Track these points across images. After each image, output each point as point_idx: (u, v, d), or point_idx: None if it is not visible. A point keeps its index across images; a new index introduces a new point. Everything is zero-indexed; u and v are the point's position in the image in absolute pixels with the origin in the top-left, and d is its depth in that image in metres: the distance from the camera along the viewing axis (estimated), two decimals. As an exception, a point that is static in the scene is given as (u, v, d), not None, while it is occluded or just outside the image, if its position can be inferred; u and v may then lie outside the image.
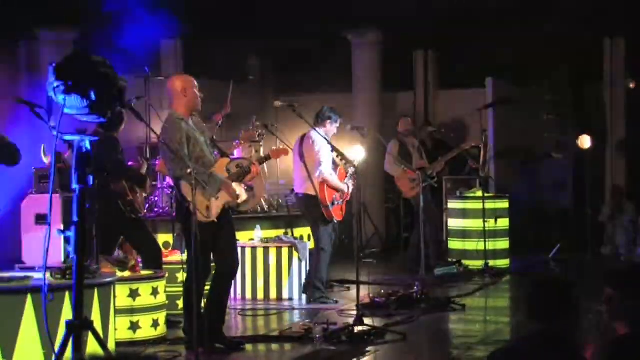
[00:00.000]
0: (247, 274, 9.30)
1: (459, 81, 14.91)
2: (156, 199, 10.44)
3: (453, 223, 11.71)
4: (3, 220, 9.74)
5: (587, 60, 14.02)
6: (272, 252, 9.30)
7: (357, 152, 9.28)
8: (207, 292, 6.80)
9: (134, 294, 6.86)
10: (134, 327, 6.85)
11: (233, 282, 7.46)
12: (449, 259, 11.28)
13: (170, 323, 7.27)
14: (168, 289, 7.40)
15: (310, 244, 9.43)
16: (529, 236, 12.79)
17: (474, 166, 11.42)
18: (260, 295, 9.26)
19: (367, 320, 7.34)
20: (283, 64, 15.52)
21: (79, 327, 4.02)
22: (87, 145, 3.92)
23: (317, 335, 7.02)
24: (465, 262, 11.11)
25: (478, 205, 11.18)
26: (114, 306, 5.64)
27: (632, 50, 13.89)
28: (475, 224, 11.24)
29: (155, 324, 6.98)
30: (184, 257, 7.30)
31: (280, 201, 11.57)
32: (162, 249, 8.15)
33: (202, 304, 6.61)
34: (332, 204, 8.76)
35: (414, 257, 10.59)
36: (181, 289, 7.05)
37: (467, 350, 6.74)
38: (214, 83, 11.50)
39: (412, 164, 10.79)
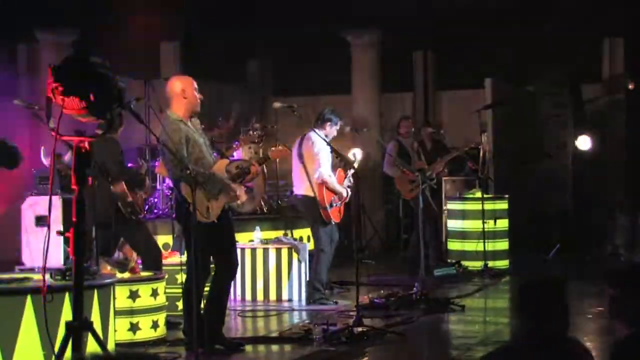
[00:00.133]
0: (247, 275, 9.30)
1: (458, 82, 14.92)
2: (156, 200, 10.46)
3: (452, 224, 11.71)
4: (3, 222, 9.76)
5: (587, 60, 14.03)
6: (272, 253, 9.31)
7: (356, 154, 9.29)
8: (206, 293, 6.81)
9: (133, 295, 6.87)
10: (134, 328, 6.85)
11: (233, 283, 7.47)
12: (449, 260, 11.29)
13: (170, 324, 7.28)
14: (168, 290, 7.41)
15: (310, 245, 9.44)
16: (528, 237, 12.79)
17: (473, 167, 11.42)
18: (260, 296, 9.27)
19: (366, 321, 7.35)
20: (282, 65, 15.53)
21: (79, 328, 4.02)
22: (86, 146, 3.92)
23: (317, 336, 7.03)
24: (465, 263, 11.11)
25: (477, 206, 11.19)
26: (114, 307, 5.64)
27: (631, 50, 13.90)
28: (475, 224, 11.24)
29: (154, 325, 6.99)
30: (184, 258, 7.31)
31: (280, 202, 11.58)
32: (162, 250, 8.16)
33: (202, 305, 6.62)
34: (331, 205, 8.77)
35: (414, 258, 10.60)
36: (181, 290, 7.06)
37: (466, 350, 6.75)
38: (213, 85, 11.51)
39: (412, 165, 10.80)
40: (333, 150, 8.02)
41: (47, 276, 4.78)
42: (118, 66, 4.09)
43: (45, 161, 9.38)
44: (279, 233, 10.39)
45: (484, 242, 10.98)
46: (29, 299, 4.90)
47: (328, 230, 8.87)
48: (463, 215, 11.53)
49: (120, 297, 6.64)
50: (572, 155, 13.81)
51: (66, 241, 8.54)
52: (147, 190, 8.43)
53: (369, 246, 13.39)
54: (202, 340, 6.18)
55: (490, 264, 11.00)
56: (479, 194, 11.42)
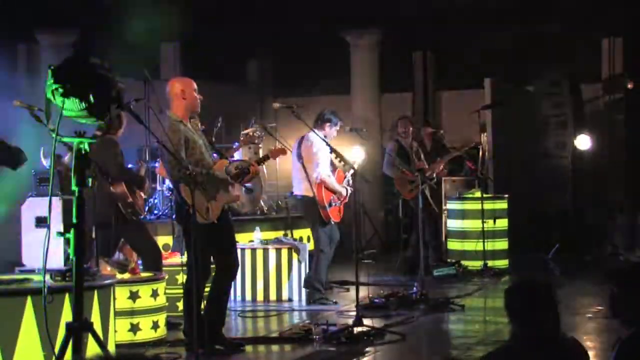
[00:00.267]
0: (247, 275, 9.31)
1: (457, 82, 14.94)
2: (156, 201, 10.46)
3: (452, 224, 11.72)
4: (3, 223, 9.76)
5: (586, 60, 14.04)
6: (272, 254, 9.32)
7: (356, 154, 9.30)
8: (207, 293, 6.81)
9: (134, 296, 6.88)
10: (134, 328, 6.86)
11: (233, 283, 7.48)
12: (448, 260, 11.30)
13: (170, 325, 7.29)
14: (168, 291, 7.41)
15: (310, 245, 9.45)
16: (528, 236, 12.80)
17: (472, 167, 11.43)
18: (260, 296, 9.28)
19: (366, 321, 7.35)
20: (282, 65, 15.55)
21: (79, 328, 4.03)
22: (86, 147, 3.93)
23: (317, 336, 7.04)
24: (464, 263, 11.12)
25: (477, 205, 11.20)
26: (114, 308, 5.65)
27: (630, 50, 13.90)
28: (474, 224, 11.25)
29: (155, 326, 6.99)
30: (184, 259, 7.32)
31: (280, 203, 11.58)
32: (162, 251, 8.17)
33: (202, 306, 6.62)
34: (330, 205, 8.78)
35: (413, 258, 10.61)
36: (181, 290, 7.07)
37: (466, 350, 6.75)
38: (213, 85, 11.52)
39: (411, 165, 10.80)
40: (332, 151, 8.02)
41: (47, 277, 4.79)
42: (117, 67, 4.09)
43: (45, 162, 9.39)
44: (279, 233, 10.40)
45: (484, 241, 10.99)
46: (29, 300, 4.91)
47: (327, 230, 8.87)
48: (463, 215, 11.54)
49: (121, 298, 6.65)
50: (571, 155, 13.82)
51: (66, 242, 8.57)
52: (147, 191, 8.44)
53: (369, 246, 13.39)
54: (202, 341, 6.19)
55: (490, 263, 11.01)
56: (478, 194, 11.43)
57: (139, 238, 7.69)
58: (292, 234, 10.39)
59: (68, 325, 4.07)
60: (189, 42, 13.99)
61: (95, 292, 5.28)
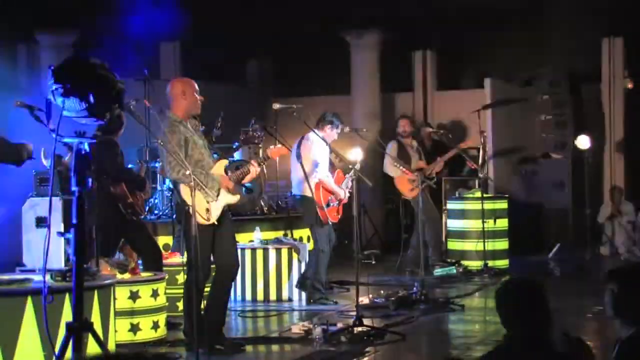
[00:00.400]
0: (247, 275, 9.31)
1: (457, 82, 14.93)
2: (156, 201, 10.46)
3: (452, 224, 11.72)
4: (4, 223, 9.76)
5: (586, 60, 14.04)
6: (272, 254, 9.32)
7: (355, 154, 9.30)
8: (207, 293, 6.82)
9: (134, 296, 6.88)
10: (134, 328, 6.86)
11: (233, 283, 7.48)
12: (448, 260, 11.29)
13: (170, 325, 7.29)
14: (168, 291, 7.42)
15: (310, 245, 9.45)
16: (528, 236, 12.80)
17: (472, 167, 11.43)
18: (260, 296, 9.28)
19: (366, 321, 7.35)
20: (282, 66, 15.54)
21: (79, 328, 4.03)
22: (86, 147, 3.94)
23: (317, 336, 7.04)
24: (465, 263, 11.12)
25: (477, 205, 11.20)
26: (114, 308, 5.66)
27: (630, 50, 13.91)
28: (474, 224, 11.25)
29: (155, 326, 7.00)
30: (184, 259, 7.32)
31: (280, 203, 11.59)
32: (162, 251, 8.17)
33: (202, 306, 6.63)
34: (327, 205, 8.79)
35: (414, 258, 10.62)
36: (181, 290, 7.07)
37: (466, 350, 6.76)
38: (213, 85, 11.52)
39: (411, 164, 10.81)
40: (333, 152, 8.03)
41: (48, 277, 4.79)
42: (117, 67, 4.10)
43: (46, 162, 9.38)
44: (279, 233, 10.40)
45: (484, 241, 10.99)
46: (29, 300, 4.91)
47: (326, 230, 8.89)
48: (463, 214, 11.53)
49: (121, 298, 6.66)
50: (571, 154, 13.82)
51: (67, 242, 8.57)
52: (148, 192, 8.44)
53: (369, 246, 13.39)
54: (202, 341, 6.19)
55: (490, 263, 11.00)
56: (478, 194, 11.43)
57: (139, 238, 7.69)
58: (292, 234, 10.39)
59: (68, 325, 4.07)
60: (189, 42, 13.99)
61: (96, 292, 5.29)
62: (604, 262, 11.74)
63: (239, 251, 7.57)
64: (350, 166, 8.20)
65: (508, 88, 13.83)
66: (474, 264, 11.09)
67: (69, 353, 4.05)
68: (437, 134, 12.20)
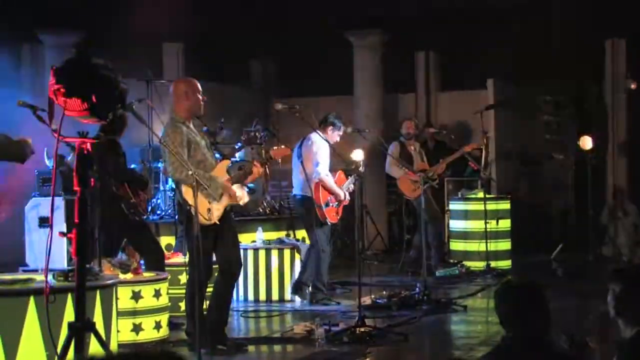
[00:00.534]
0: (249, 275, 9.32)
1: (460, 82, 14.92)
2: (159, 201, 10.47)
3: (455, 224, 11.72)
4: (6, 223, 9.78)
5: (589, 60, 14.03)
6: (274, 254, 9.32)
7: (358, 155, 9.30)
8: (209, 293, 6.82)
9: (136, 296, 6.89)
10: (137, 329, 6.87)
11: (235, 283, 7.48)
12: (451, 260, 11.29)
13: (172, 325, 7.30)
14: (170, 291, 7.42)
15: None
16: (530, 237, 12.80)
17: (475, 167, 11.43)
18: (263, 296, 9.28)
19: (369, 322, 7.36)
20: (285, 66, 15.55)
21: (81, 328, 4.03)
22: (89, 147, 3.94)
23: (319, 337, 7.04)
24: (467, 263, 11.11)
25: (480, 206, 11.20)
26: (116, 308, 5.66)
27: (633, 51, 13.90)
28: (477, 225, 11.25)
29: (157, 326, 7.00)
30: (186, 259, 7.32)
31: (282, 203, 11.60)
32: (165, 251, 8.18)
33: (204, 306, 6.63)
34: (326, 205, 8.80)
35: (416, 259, 10.62)
36: (183, 290, 7.08)
37: (468, 351, 6.75)
38: (216, 86, 11.53)
39: (413, 166, 10.81)
40: (337, 154, 8.03)
41: (50, 277, 4.80)
42: (120, 67, 4.10)
43: (49, 162, 9.40)
44: (281, 234, 10.40)
45: (487, 242, 10.99)
46: (31, 299, 4.91)
47: (326, 230, 8.90)
48: (465, 215, 11.53)
49: (123, 298, 6.66)
50: (574, 155, 13.81)
51: (69, 242, 8.58)
52: (150, 192, 8.45)
53: (372, 247, 13.40)
54: (204, 341, 6.20)
55: (493, 264, 11.01)
56: (481, 195, 11.43)
57: (141, 238, 7.70)
58: (294, 234, 10.39)
59: (70, 325, 4.08)
60: (193, 43, 13.99)
61: (98, 292, 5.29)
62: (606, 263, 11.72)
63: (242, 251, 7.57)
64: (354, 167, 8.20)
65: (510, 89, 13.82)
66: (477, 265, 11.09)
67: (71, 353, 4.06)
68: (440, 135, 12.20)
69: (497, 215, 11.35)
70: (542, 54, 13.90)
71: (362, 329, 7.22)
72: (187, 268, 6.74)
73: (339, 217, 9.10)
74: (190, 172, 6.00)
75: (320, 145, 8.68)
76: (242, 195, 6.80)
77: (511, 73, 13.79)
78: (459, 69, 14.74)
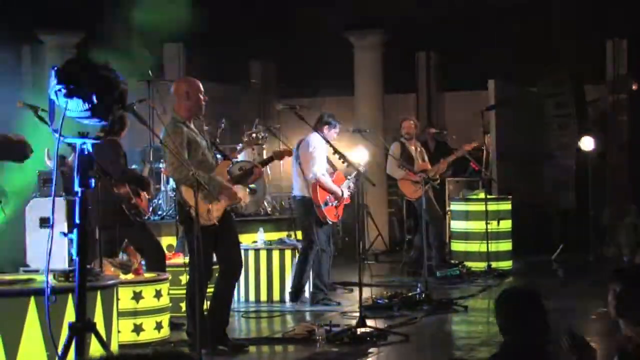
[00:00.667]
0: (250, 276, 9.32)
1: (461, 83, 14.92)
2: (160, 201, 10.47)
3: (455, 225, 11.71)
4: (7, 224, 9.77)
5: (590, 61, 14.03)
6: (275, 255, 9.32)
7: (359, 155, 9.31)
8: (210, 294, 6.82)
9: (137, 297, 6.88)
10: (138, 329, 6.87)
11: (236, 284, 7.48)
12: (452, 261, 11.29)
13: (173, 325, 7.29)
14: (171, 292, 7.42)
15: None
16: (531, 237, 12.79)
17: (476, 168, 11.42)
18: (264, 297, 9.28)
19: (369, 322, 7.36)
20: (285, 67, 15.55)
21: (82, 329, 4.03)
22: (89, 148, 3.94)
23: (320, 337, 7.04)
24: (468, 264, 11.10)
25: (480, 206, 11.19)
26: (117, 308, 5.66)
27: (634, 51, 13.90)
28: (478, 225, 11.24)
29: (158, 327, 7.00)
30: (186, 259, 7.33)
31: (283, 203, 11.60)
32: (166, 252, 8.18)
33: (205, 306, 6.63)
34: (325, 204, 8.80)
35: (417, 259, 10.62)
36: (184, 291, 7.07)
37: (469, 351, 6.75)
38: (217, 86, 11.53)
39: (414, 166, 10.81)
40: (337, 153, 8.03)
41: (51, 277, 4.80)
42: (121, 67, 4.10)
43: (50, 163, 9.39)
44: (283, 234, 10.40)
45: (487, 242, 10.98)
46: (32, 300, 4.91)
47: (326, 230, 8.90)
48: (466, 216, 11.53)
49: (124, 299, 6.66)
50: (575, 156, 13.81)
51: (70, 243, 8.57)
52: (151, 192, 8.45)
53: (373, 247, 13.40)
54: (205, 341, 6.20)
55: (494, 264, 11.00)
56: (482, 195, 11.42)
57: (142, 239, 7.69)
58: (295, 235, 10.38)
59: (71, 325, 4.07)
60: (193, 43, 13.99)
61: (98, 292, 5.28)
62: (607, 263, 11.72)
63: (243, 252, 7.57)
64: (355, 167, 8.20)
65: (511, 89, 13.82)
66: (478, 265, 11.08)
67: (71, 353, 4.05)
68: (441, 135, 12.19)
69: (498, 215, 11.34)
70: (543, 54, 13.90)
71: (363, 330, 7.22)
72: (187, 268, 6.74)
73: (339, 217, 9.10)
74: (190, 173, 5.99)
75: (316, 146, 8.69)
76: (243, 195, 6.80)
77: (512, 73, 13.80)
78: (459, 69, 14.74)
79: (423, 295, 8.66)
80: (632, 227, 12.66)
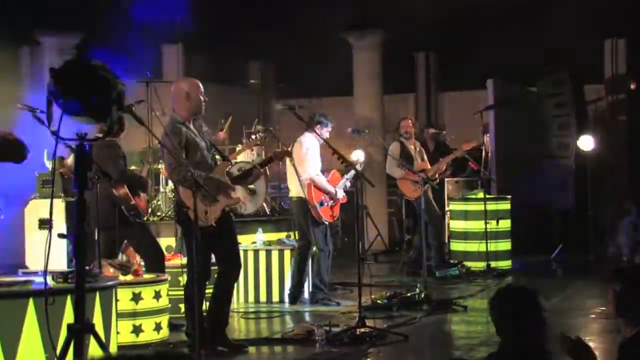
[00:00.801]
0: (250, 276, 9.32)
1: (460, 83, 14.92)
2: (159, 202, 10.47)
3: (455, 224, 11.71)
4: (6, 225, 9.76)
5: (589, 61, 14.03)
6: (274, 255, 9.32)
7: (358, 155, 9.32)
8: (208, 294, 6.82)
9: (136, 298, 6.88)
10: (137, 330, 6.86)
11: (235, 284, 7.48)
12: (451, 261, 11.29)
13: (172, 326, 7.29)
14: (170, 293, 7.42)
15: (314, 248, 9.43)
16: (530, 237, 12.79)
17: (475, 168, 11.42)
18: (263, 297, 9.28)
19: (369, 322, 7.35)
20: (284, 67, 15.55)
21: (81, 330, 4.02)
22: (87, 149, 3.93)
23: (320, 337, 7.04)
24: (467, 264, 11.10)
25: (480, 206, 11.19)
26: (116, 309, 5.66)
27: (633, 50, 13.90)
28: (477, 225, 11.24)
29: (157, 327, 7.00)
30: (183, 260, 7.32)
31: (283, 204, 11.59)
32: (165, 253, 8.17)
33: (204, 307, 6.63)
34: (320, 204, 8.80)
35: (416, 259, 10.62)
36: (183, 292, 7.06)
37: (469, 351, 6.75)
38: (215, 87, 11.52)
39: (413, 166, 10.81)
40: (334, 152, 8.02)
41: (49, 279, 4.79)
42: (119, 68, 4.09)
43: (48, 164, 9.39)
44: (282, 235, 10.39)
45: (487, 242, 10.98)
46: (31, 301, 4.91)
47: (322, 230, 8.90)
48: (465, 215, 11.53)
49: (123, 300, 6.66)
50: (574, 155, 13.81)
51: (69, 244, 8.58)
52: (150, 193, 8.45)
53: (372, 247, 13.40)
54: (205, 342, 6.19)
55: (493, 264, 11.01)
56: (481, 195, 11.42)
57: (141, 240, 7.69)
58: (294, 236, 10.37)
59: (70, 326, 4.07)
60: (192, 44, 14.00)
61: (97, 293, 5.29)
62: (606, 263, 11.72)
63: (242, 252, 7.57)
64: (353, 166, 8.20)
65: (510, 89, 13.82)
66: (477, 265, 11.08)
67: (70, 355, 4.05)
68: (440, 135, 12.19)
69: (497, 215, 11.34)
70: (542, 54, 13.90)
71: (362, 330, 7.21)
72: (184, 269, 6.74)
73: (335, 217, 9.10)
74: (189, 174, 5.99)
75: (309, 147, 8.70)
76: (240, 196, 6.80)
77: (511, 73, 13.80)
78: (458, 70, 14.75)
79: (422, 295, 8.66)
80: (631, 227, 12.66)
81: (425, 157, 11.15)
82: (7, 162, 5.24)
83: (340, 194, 9.03)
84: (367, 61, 14.56)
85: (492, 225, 11.17)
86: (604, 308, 8.22)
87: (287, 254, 9.31)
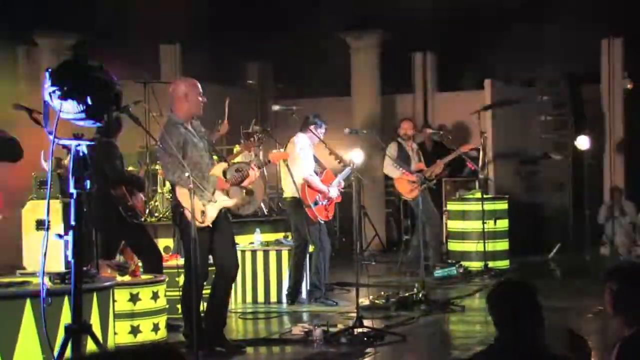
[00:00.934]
0: (247, 277, 9.32)
1: (457, 83, 14.92)
2: (157, 203, 10.47)
3: (452, 224, 11.73)
4: (4, 226, 9.76)
5: (586, 60, 14.03)
6: (272, 256, 9.33)
7: (356, 155, 9.30)
8: (206, 295, 6.81)
9: (134, 298, 6.88)
10: (135, 331, 6.86)
11: (233, 285, 7.48)
12: (449, 261, 11.30)
13: (170, 327, 7.29)
14: (168, 293, 7.41)
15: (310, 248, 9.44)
16: (528, 237, 12.80)
17: (473, 168, 11.43)
18: (261, 298, 9.28)
19: (367, 322, 7.36)
20: (282, 67, 15.54)
21: (78, 331, 4.02)
22: (84, 149, 3.93)
23: (317, 338, 7.04)
24: (465, 264, 11.12)
25: (477, 206, 11.20)
26: (113, 310, 5.65)
27: (630, 50, 13.90)
28: (475, 225, 11.25)
29: (155, 328, 6.99)
30: (179, 261, 7.32)
31: (280, 205, 11.59)
32: (163, 253, 8.17)
33: (202, 308, 6.62)
34: (315, 203, 8.82)
35: (414, 259, 10.62)
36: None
37: (467, 351, 6.74)
38: (213, 88, 11.51)
39: (411, 166, 10.81)
40: (330, 151, 8.04)
41: (47, 280, 4.79)
42: (116, 69, 4.09)
43: (46, 165, 9.38)
44: (279, 235, 10.40)
45: (484, 242, 10.99)
46: (28, 302, 4.91)
47: (318, 229, 8.91)
48: (463, 215, 11.54)
49: (121, 300, 6.65)
50: (571, 155, 13.82)
51: (66, 245, 8.57)
52: (148, 194, 8.45)
53: (369, 247, 13.40)
54: (203, 343, 6.19)
55: (491, 264, 11.01)
56: (478, 195, 11.44)
57: (139, 240, 7.69)
58: (292, 236, 10.38)
59: (67, 327, 4.07)
60: (190, 44, 13.99)
61: (95, 294, 5.29)
62: (603, 263, 11.73)
63: (239, 253, 7.57)
64: (346, 165, 8.21)
65: (508, 89, 13.82)
66: (475, 265, 11.10)
67: (68, 355, 4.05)
68: (438, 135, 12.19)
69: (495, 215, 11.35)
70: (539, 54, 13.90)
71: (360, 330, 7.22)
72: (181, 270, 6.73)
73: (329, 216, 9.11)
74: (186, 174, 5.99)
75: (302, 147, 8.72)
76: (237, 197, 6.79)
77: (508, 73, 13.80)
78: (456, 70, 14.75)
79: (420, 295, 8.66)
80: (628, 226, 12.68)
81: (421, 157, 11.16)
82: (2, 161, 5.23)
83: (334, 193, 9.04)
84: (365, 61, 14.56)
85: (490, 225, 11.18)
86: (601, 307, 8.22)
87: (285, 254, 9.31)
